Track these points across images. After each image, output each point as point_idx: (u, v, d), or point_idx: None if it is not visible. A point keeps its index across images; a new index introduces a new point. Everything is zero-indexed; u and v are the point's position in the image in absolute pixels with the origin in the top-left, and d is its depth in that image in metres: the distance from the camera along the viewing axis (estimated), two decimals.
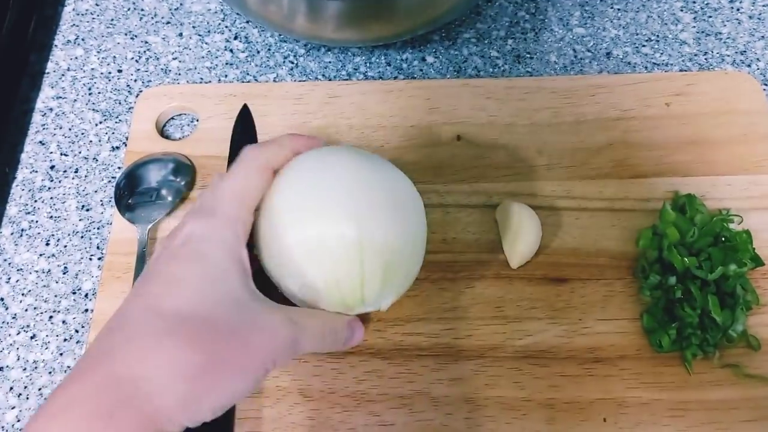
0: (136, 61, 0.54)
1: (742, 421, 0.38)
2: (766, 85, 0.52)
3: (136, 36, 0.56)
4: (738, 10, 0.56)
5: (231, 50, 0.55)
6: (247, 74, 0.54)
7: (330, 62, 0.54)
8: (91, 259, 0.46)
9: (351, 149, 0.37)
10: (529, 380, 0.39)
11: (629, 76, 0.51)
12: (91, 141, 0.51)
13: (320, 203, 0.33)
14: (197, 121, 0.50)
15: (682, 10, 0.56)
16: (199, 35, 0.56)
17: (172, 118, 0.51)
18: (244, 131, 0.48)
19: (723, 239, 0.41)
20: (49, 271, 0.45)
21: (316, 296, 0.34)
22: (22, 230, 0.47)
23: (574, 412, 0.38)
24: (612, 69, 0.53)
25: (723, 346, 0.40)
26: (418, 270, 0.38)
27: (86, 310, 0.44)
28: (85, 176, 0.49)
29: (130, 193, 0.45)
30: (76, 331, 0.43)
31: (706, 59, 0.53)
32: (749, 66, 0.53)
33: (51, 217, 0.47)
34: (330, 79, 0.53)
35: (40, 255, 0.46)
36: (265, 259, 0.35)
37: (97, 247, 0.46)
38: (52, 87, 0.53)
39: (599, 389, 0.39)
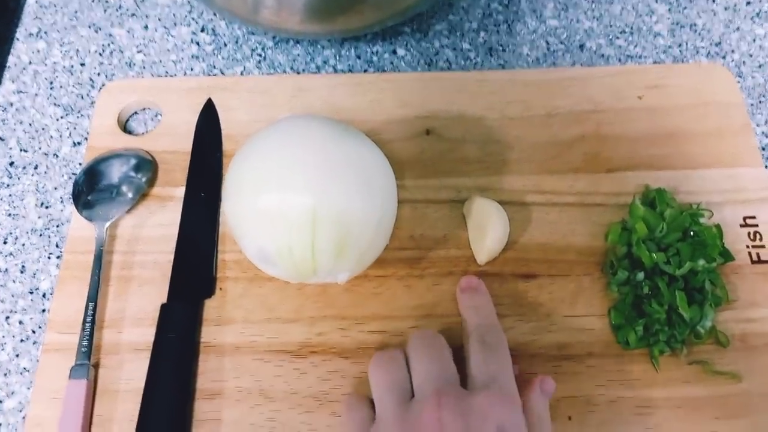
0: (100, 54, 0.53)
1: (710, 419, 0.37)
2: (740, 77, 0.52)
3: (100, 29, 0.54)
4: (713, 1, 0.55)
5: (197, 43, 0.54)
6: (214, 67, 0.52)
7: (299, 55, 0.53)
8: (49, 257, 0.44)
9: (322, 120, 0.38)
10: None
11: (602, 68, 0.51)
12: (51, 136, 0.49)
13: (281, 170, 0.34)
14: (160, 115, 0.49)
15: (657, 2, 0.55)
16: (165, 27, 0.54)
17: (136, 113, 0.50)
18: (207, 126, 0.47)
19: (692, 234, 0.40)
20: (6, 270, 0.44)
21: (271, 260, 0.35)
22: None
23: None
24: (585, 61, 0.52)
25: (691, 343, 0.39)
26: (382, 248, 0.38)
27: (43, 311, 0.42)
28: (45, 173, 0.48)
29: (90, 190, 0.44)
30: (33, 332, 0.42)
31: (680, 51, 0.53)
32: (724, 58, 0.52)
33: (9, 215, 0.46)
34: (298, 73, 0.52)
35: None
36: (228, 218, 0.37)
37: (56, 246, 0.45)
38: (13, 81, 0.52)
39: (567, 387, 0.38)
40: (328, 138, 0.35)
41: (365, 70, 0.52)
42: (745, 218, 0.44)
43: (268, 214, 0.34)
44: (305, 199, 0.34)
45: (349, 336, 0.40)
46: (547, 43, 0.53)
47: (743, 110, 0.48)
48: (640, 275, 0.39)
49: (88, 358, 0.38)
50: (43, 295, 0.43)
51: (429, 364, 0.34)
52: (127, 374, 0.39)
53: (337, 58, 0.53)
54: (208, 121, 0.47)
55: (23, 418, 0.39)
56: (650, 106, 0.49)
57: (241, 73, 0.52)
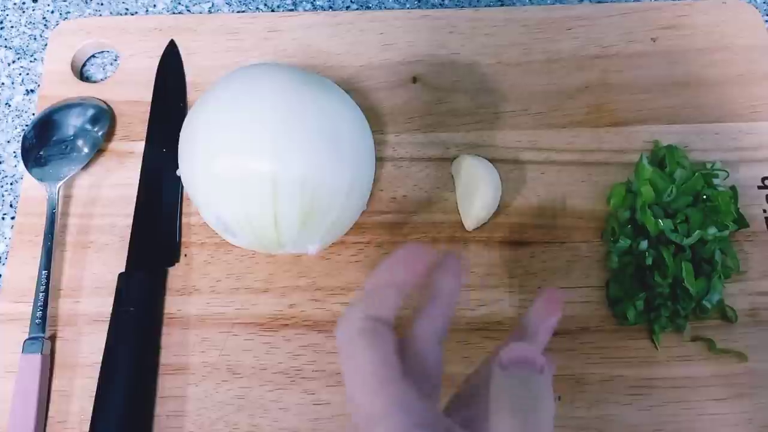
0: None
1: (711, 400, 0.34)
2: None
3: None
4: None
5: None
6: (179, 4, 0.47)
7: None
8: (3, 218, 0.41)
9: (285, 68, 0.33)
10: (479, 354, 0.36)
11: (613, 5, 0.45)
12: (2, 83, 0.45)
13: (235, 130, 0.30)
14: (119, 60, 0.44)
15: None
16: None
17: (93, 57, 0.45)
18: (170, 72, 0.43)
19: (704, 198, 0.36)
20: None
21: (231, 231, 0.32)
22: None
23: None
24: None
25: (695, 318, 0.36)
26: (357, 213, 0.35)
27: None
28: None
29: (41, 145, 0.40)
30: None
31: None
32: None
33: None
34: (273, 10, 0.47)
35: None
36: (184, 182, 0.33)
37: (10, 206, 0.41)
38: None
39: (556, 365, 0.35)
40: (291, 91, 0.31)
41: (347, 7, 0.47)
42: (763, 179, 0.40)
43: (224, 180, 0.30)
44: (264, 164, 0.30)
45: (323, 308, 0.37)
46: None
47: None
48: (644, 244, 0.36)
49: (42, 331, 0.35)
50: None
51: None
52: (86, 347, 0.36)
53: None
54: (171, 67, 0.43)
55: None
56: (664, 49, 0.44)
57: (210, 11, 0.47)
